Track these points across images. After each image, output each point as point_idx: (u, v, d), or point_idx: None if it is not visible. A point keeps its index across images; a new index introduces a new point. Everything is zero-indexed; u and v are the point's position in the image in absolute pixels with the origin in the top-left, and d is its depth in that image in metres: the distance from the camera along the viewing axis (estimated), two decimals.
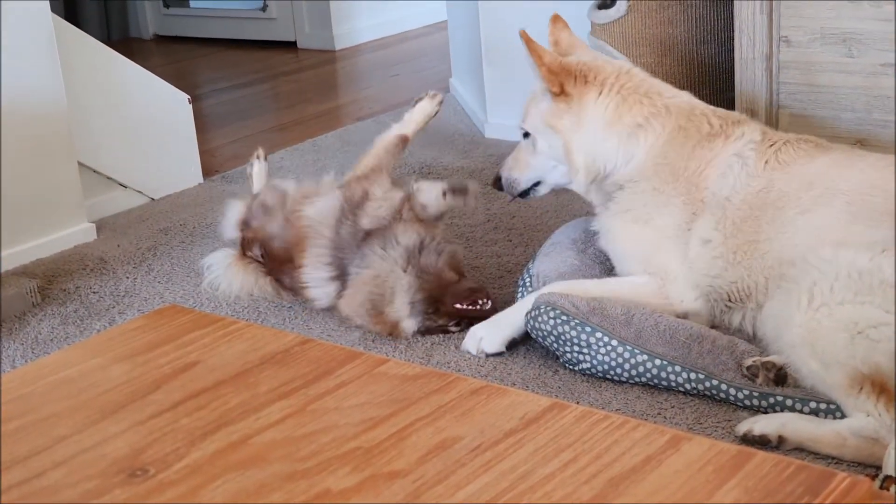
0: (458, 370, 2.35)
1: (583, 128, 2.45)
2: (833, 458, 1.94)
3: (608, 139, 2.43)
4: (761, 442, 1.98)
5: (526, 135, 2.56)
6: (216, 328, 1.51)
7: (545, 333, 2.30)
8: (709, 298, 2.33)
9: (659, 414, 2.13)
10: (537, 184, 2.60)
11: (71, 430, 1.27)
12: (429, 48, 5.58)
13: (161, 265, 3.06)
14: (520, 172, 2.59)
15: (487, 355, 2.40)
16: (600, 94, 2.44)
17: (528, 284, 2.51)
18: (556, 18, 2.67)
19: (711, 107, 2.49)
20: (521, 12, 3.82)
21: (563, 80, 2.44)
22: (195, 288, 2.89)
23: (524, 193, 2.63)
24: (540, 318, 2.30)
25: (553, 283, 2.41)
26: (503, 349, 2.40)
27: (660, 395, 2.19)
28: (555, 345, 2.30)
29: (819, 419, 2.01)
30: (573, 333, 2.25)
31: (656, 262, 2.35)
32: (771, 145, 2.33)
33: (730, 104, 2.90)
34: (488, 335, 2.40)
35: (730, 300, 2.30)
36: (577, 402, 2.19)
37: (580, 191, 2.54)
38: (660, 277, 2.34)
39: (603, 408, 2.15)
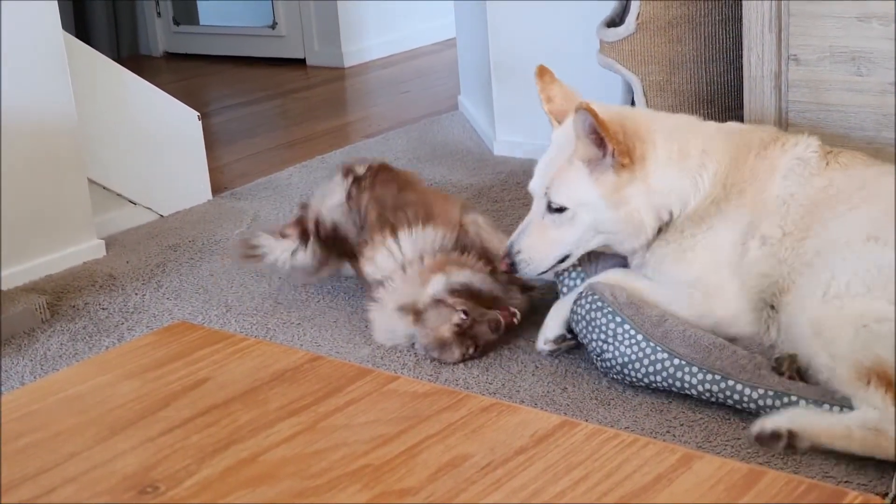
0: (467, 388, 2.35)
1: (651, 187, 2.33)
2: (844, 454, 1.96)
3: (680, 181, 2.35)
4: (774, 437, 1.97)
5: (556, 209, 2.36)
6: (226, 345, 1.51)
7: (579, 318, 2.32)
8: (756, 308, 2.29)
9: (668, 432, 2.13)
10: (563, 259, 2.42)
11: (80, 447, 1.27)
12: (438, 65, 5.59)
13: (170, 281, 3.06)
14: (546, 251, 2.39)
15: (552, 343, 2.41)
16: (656, 147, 2.35)
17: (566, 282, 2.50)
18: (542, 71, 2.53)
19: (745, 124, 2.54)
20: (529, 30, 3.84)
21: (629, 151, 2.31)
22: (204, 304, 2.90)
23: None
24: (579, 302, 2.33)
25: (610, 271, 2.41)
26: (563, 331, 2.40)
27: (669, 413, 2.19)
28: (584, 331, 2.31)
29: (828, 412, 2.03)
30: (603, 321, 2.27)
31: (711, 282, 2.32)
32: (829, 151, 2.38)
33: (739, 122, 2.90)
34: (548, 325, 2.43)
35: (772, 305, 2.26)
36: (586, 420, 2.17)
37: (638, 248, 2.40)
38: (712, 296, 2.31)
39: (612, 425, 2.15)
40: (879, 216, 2.18)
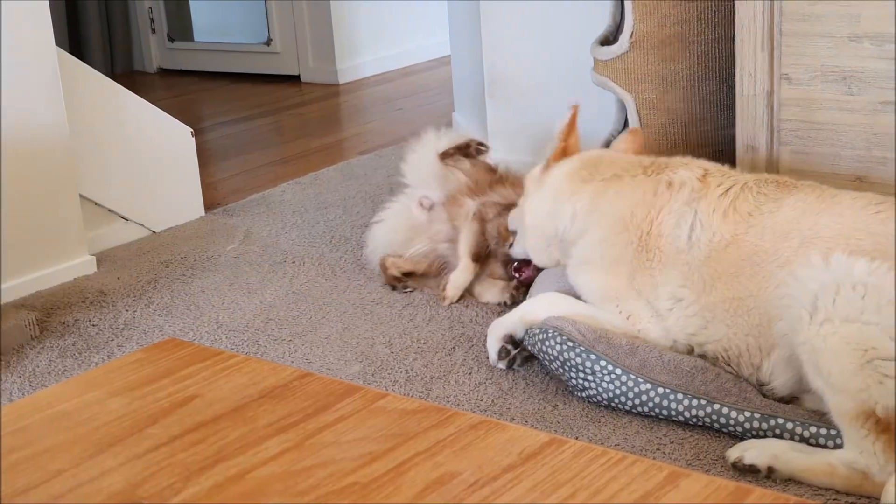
0: (458, 404, 2.35)
1: (541, 190, 2.56)
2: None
3: (557, 198, 2.50)
4: (750, 471, 1.97)
5: None
6: (215, 362, 1.51)
7: (552, 358, 2.31)
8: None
9: (658, 449, 2.12)
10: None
11: (68, 464, 1.26)
12: (432, 82, 5.61)
13: (161, 298, 3.06)
14: (518, 247, 2.70)
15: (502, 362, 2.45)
16: (567, 160, 2.54)
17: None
18: (633, 132, 2.79)
19: (655, 158, 2.51)
20: (524, 47, 3.85)
21: (557, 159, 2.57)
22: (195, 321, 2.89)
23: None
24: (547, 343, 2.30)
25: (551, 295, 2.44)
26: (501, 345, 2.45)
27: (659, 431, 2.18)
28: (560, 370, 2.30)
29: (810, 448, 2.01)
30: (578, 360, 2.26)
31: (627, 308, 2.34)
32: (725, 192, 2.27)
33: (731, 141, 2.91)
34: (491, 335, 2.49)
35: (717, 361, 2.24)
36: (576, 438, 2.18)
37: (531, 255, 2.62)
38: (633, 321, 2.33)
39: (602, 443, 2.14)
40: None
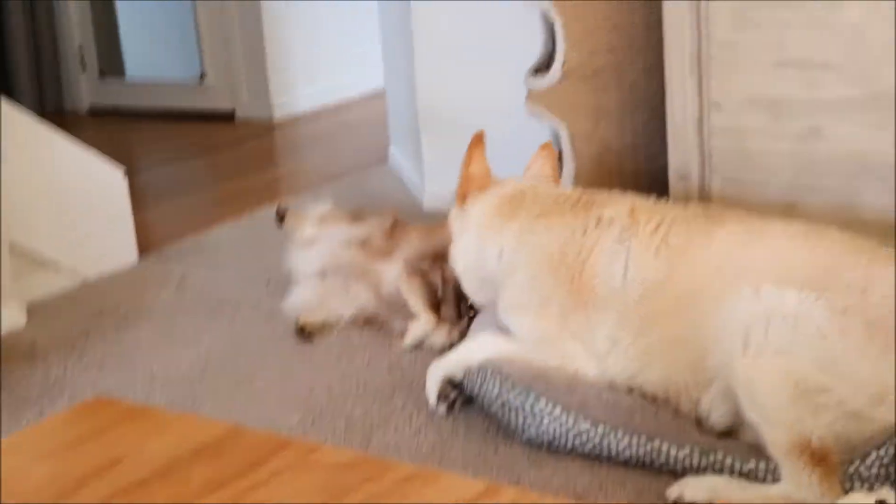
0: (398, 450, 2.31)
1: (465, 232, 2.54)
2: None
3: (481, 238, 2.49)
4: None
5: None
6: (144, 420, 1.48)
7: (491, 400, 2.28)
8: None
9: (600, 489, 2.11)
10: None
11: None
12: (369, 116, 5.58)
13: (94, 351, 2.98)
14: None
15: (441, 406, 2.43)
16: (486, 197, 2.52)
17: None
18: (544, 146, 2.75)
19: (582, 193, 2.49)
20: (458, 80, 3.85)
21: (469, 189, 2.56)
22: (129, 374, 2.82)
23: None
24: (486, 385, 2.28)
25: (487, 336, 2.43)
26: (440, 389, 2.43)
27: (600, 471, 2.17)
28: (500, 412, 2.28)
29: (748, 484, 2.00)
30: (518, 401, 2.24)
31: (561, 349, 2.32)
32: (655, 228, 2.26)
33: (663, 170, 2.93)
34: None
35: (656, 399, 2.23)
36: (518, 480, 2.16)
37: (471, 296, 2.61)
38: (569, 362, 2.31)
39: (544, 485, 2.13)
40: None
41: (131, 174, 3.79)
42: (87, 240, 3.54)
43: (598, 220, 2.32)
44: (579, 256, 2.30)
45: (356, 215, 3.15)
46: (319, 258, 3.08)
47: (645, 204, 2.36)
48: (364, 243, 3.01)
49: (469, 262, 2.55)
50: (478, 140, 2.58)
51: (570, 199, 2.44)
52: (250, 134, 5.53)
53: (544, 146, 2.76)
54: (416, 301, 2.83)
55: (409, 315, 2.87)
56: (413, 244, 2.95)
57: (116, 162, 3.66)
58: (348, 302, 2.98)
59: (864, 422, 1.89)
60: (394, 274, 2.91)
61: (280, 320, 3.06)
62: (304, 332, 2.92)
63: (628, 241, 2.26)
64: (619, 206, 2.35)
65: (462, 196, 2.57)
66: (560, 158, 3.03)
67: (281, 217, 3.15)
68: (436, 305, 2.83)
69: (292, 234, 3.17)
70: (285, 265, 3.21)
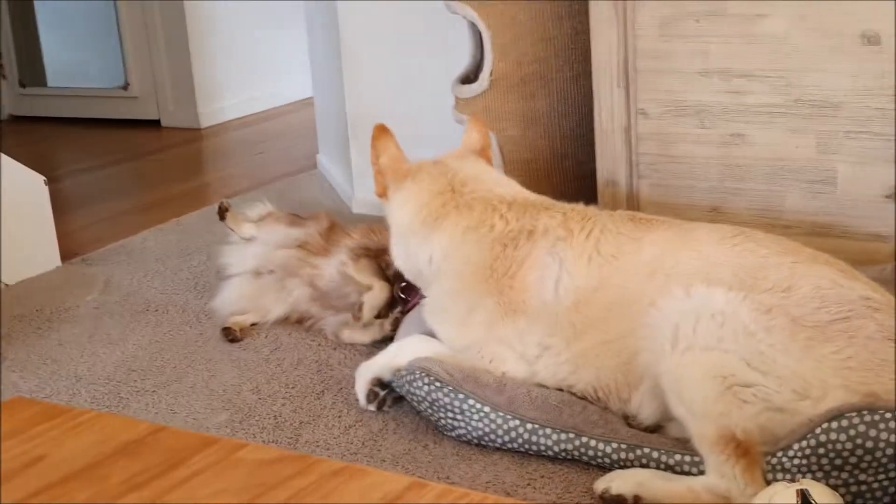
0: (328, 448, 2.31)
1: (394, 232, 2.53)
2: None
3: (410, 242, 2.47)
4: (618, 501, 1.99)
5: None
6: (65, 419, 1.45)
7: (419, 399, 2.29)
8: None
9: (528, 485, 2.12)
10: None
11: None
12: (296, 124, 5.56)
13: (15, 353, 2.93)
14: None
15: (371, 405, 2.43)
16: (405, 197, 2.48)
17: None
18: (472, 118, 2.72)
19: (516, 195, 2.44)
20: (386, 88, 3.86)
21: (387, 182, 2.54)
22: (52, 375, 2.78)
23: None
24: (415, 384, 2.28)
25: (415, 338, 2.42)
26: (369, 389, 2.42)
27: (529, 466, 2.18)
28: (429, 410, 2.28)
29: (674, 476, 2.03)
30: (447, 400, 2.24)
31: (488, 352, 2.32)
32: (587, 236, 2.27)
33: (592, 176, 2.96)
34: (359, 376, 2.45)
35: (585, 398, 2.25)
36: (447, 477, 2.17)
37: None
38: (497, 364, 2.31)
39: (473, 481, 2.13)
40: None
41: (54, 181, 3.73)
42: (7, 246, 3.47)
43: (531, 233, 2.31)
44: (509, 271, 2.30)
45: (293, 218, 3.14)
46: (254, 257, 3.06)
47: (577, 212, 2.36)
48: (302, 243, 3.00)
49: (402, 262, 2.55)
50: (378, 132, 2.55)
51: (501, 204, 2.39)
52: (176, 141, 5.47)
53: (472, 118, 2.72)
54: (366, 276, 2.82)
55: (344, 308, 2.86)
56: (354, 239, 2.94)
57: (38, 170, 3.60)
58: (281, 300, 2.97)
59: (788, 415, 1.92)
60: (332, 268, 2.89)
61: (207, 322, 3.04)
62: (230, 333, 2.90)
63: (560, 252, 2.27)
64: (552, 215, 2.34)
65: (382, 192, 2.56)
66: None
67: (223, 212, 3.12)
68: (386, 278, 2.83)
69: (231, 231, 3.14)
70: (218, 262, 3.19)
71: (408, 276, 2.59)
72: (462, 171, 2.50)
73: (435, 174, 2.50)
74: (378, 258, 2.86)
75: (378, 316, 2.80)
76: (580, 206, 2.41)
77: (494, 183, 2.49)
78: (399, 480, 1.22)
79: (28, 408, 1.50)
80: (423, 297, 2.56)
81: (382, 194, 2.55)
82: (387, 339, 2.71)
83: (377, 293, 2.80)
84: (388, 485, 1.21)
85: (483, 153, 2.62)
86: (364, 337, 2.81)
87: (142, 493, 1.25)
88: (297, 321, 2.96)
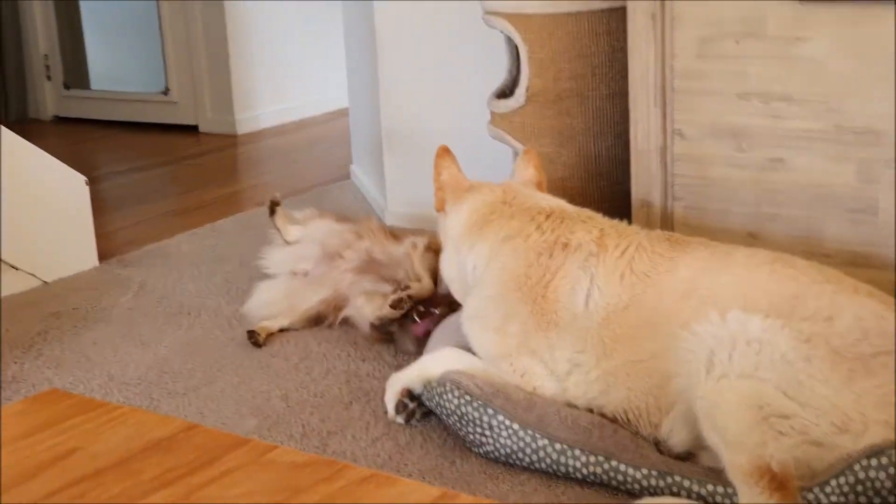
0: (354, 459, 2.31)
1: (446, 243, 2.57)
2: None
3: (460, 250, 2.50)
4: None
5: None
6: (99, 413, 1.46)
7: (449, 412, 2.29)
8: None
9: None
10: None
11: None
12: (331, 134, 5.60)
13: (51, 350, 2.97)
14: (441, 284, 2.72)
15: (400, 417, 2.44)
16: (459, 209, 2.54)
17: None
18: (527, 150, 2.77)
19: (555, 207, 2.47)
20: (421, 100, 3.87)
21: (446, 197, 2.59)
22: (86, 374, 2.81)
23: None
24: (444, 397, 2.28)
25: (448, 350, 2.43)
26: (398, 400, 2.43)
27: (557, 488, 2.17)
28: (457, 424, 2.28)
29: None
30: (476, 415, 2.24)
31: (521, 366, 2.33)
32: (622, 254, 2.27)
33: (626, 196, 2.95)
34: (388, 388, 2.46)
35: (616, 420, 2.24)
36: (474, 494, 2.16)
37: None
38: (528, 379, 2.32)
39: (500, 500, 2.12)
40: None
41: (94, 182, 3.78)
42: (47, 244, 3.52)
43: (565, 245, 2.32)
44: (543, 279, 2.31)
45: (341, 216, 3.19)
46: (294, 259, 3.08)
47: (615, 228, 2.37)
48: (357, 231, 3.04)
49: (453, 273, 2.57)
50: (442, 152, 2.62)
51: (540, 215, 2.42)
52: (213, 147, 5.52)
53: (527, 150, 2.79)
54: (422, 267, 2.84)
55: (388, 279, 2.88)
56: (423, 238, 2.96)
57: (79, 170, 3.65)
58: (312, 298, 2.99)
59: (826, 449, 1.89)
60: (401, 248, 2.93)
61: (239, 327, 3.06)
62: (254, 336, 2.93)
63: (593, 267, 2.27)
64: (588, 230, 2.35)
65: (440, 206, 2.61)
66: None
67: (273, 206, 3.14)
68: (435, 280, 2.84)
69: (277, 231, 3.17)
70: (256, 262, 3.23)
71: (452, 287, 2.60)
72: (519, 189, 2.58)
73: (493, 187, 2.57)
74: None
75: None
76: (620, 223, 2.42)
77: (541, 197, 2.54)
78: (428, 491, 1.22)
79: (63, 400, 1.51)
80: (437, 320, 2.68)
81: (441, 209, 2.60)
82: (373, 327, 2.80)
83: (423, 285, 2.83)
84: (417, 494, 1.21)
85: (540, 188, 2.67)
86: (366, 308, 2.83)
87: (173, 489, 1.27)
88: (326, 315, 2.97)
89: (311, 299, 3.00)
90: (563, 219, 2.40)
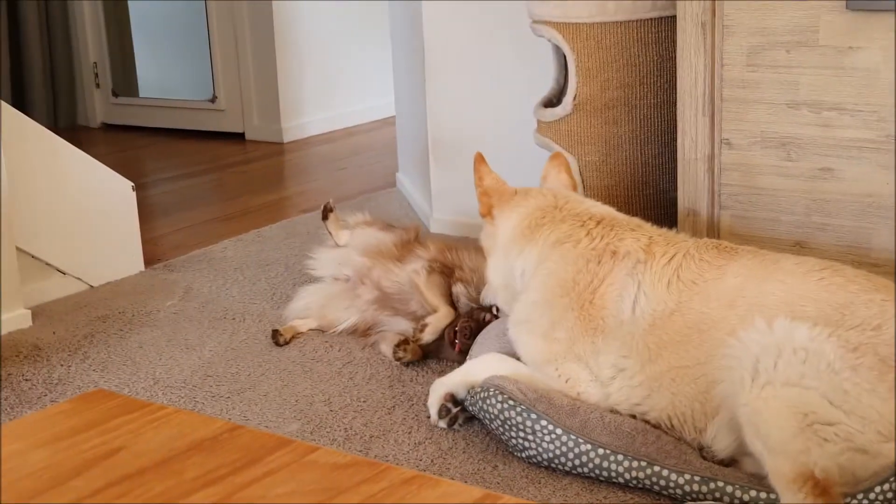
0: (397, 463, 2.31)
1: (496, 247, 2.54)
2: None
3: (509, 255, 2.49)
4: None
5: None
6: (143, 413, 1.47)
7: (492, 417, 2.28)
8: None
9: None
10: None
11: None
12: (377, 143, 5.62)
13: (97, 353, 2.99)
14: (486, 289, 2.67)
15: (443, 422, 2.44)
16: (510, 214, 2.52)
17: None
18: (555, 156, 2.77)
19: (606, 214, 2.47)
20: (468, 109, 3.87)
21: (492, 203, 2.56)
22: (131, 376, 2.83)
23: (494, 308, 2.70)
24: (488, 402, 2.28)
25: (492, 356, 2.43)
26: (441, 404, 2.43)
27: (599, 493, 2.16)
28: (500, 429, 2.28)
29: None
30: (519, 419, 2.23)
31: (566, 371, 2.32)
32: (669, 261, 2.27)
33: (672, 204, 2.93)
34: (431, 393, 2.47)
35: (659, 426, 2.23)
36: None
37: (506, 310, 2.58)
38: (572, 384, 2.31)
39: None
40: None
41: (141, 189, 3.82)
42: (94, 249, 3.56)
43: (614, 253, 2.32)
44: (591, 285, 2.30)
45: (386, 225, 3.21)
46: (337, 261, 3.10)
47: (663, 237, 2.37)
48: (380, 249, 3.04)
49: (500, 279, 2.55)
50: (480, 158, 2.61)
51: (591, 221, 2.42)
52: (259, 155, 5.55)
53: (555, 155, 2.78)
54: (434, 295, 2.83)
55: (403, 313, 2.89)
56: (430, 252, 2.97)
57: (126, 176, 3.68)
58: (351, 308, 2.99)
59: (870, 457, 1.88)
60: (405, 273, 2.92)
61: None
62: (277, 336, 2.97)
63: (640, 275, 2.26)
64: (637, 238, 2.34)
65: (486, 212, 2.58)
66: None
67: (327, 212, 3.17)
68: (451, 303, 2.84)
69: (329, 235, 3.20)
70: (305, 262, 3.28)
71: (499, 295, 2.58)
72: (570, 195, 2.58)
73: (544, 192, 2.57)
74: (449, 277, 2.87)
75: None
76: (669, 232, 2.41)
77: (593, 204, 2.54)
78: (471, 492, 1.22)
79: (108, 400, 1.52)
80: (474, 334, 2.67)
81: (487, 214, 2.58)
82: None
83: (442, 317, 2.81)
84: (461, 496, 1.21)
85: (572, 187, 2.69)
86: (388, 352, 2.85)
87: (216, 488, 1.27)
88: (363, 333, 2.98)
89: (341, 317, 3.01)
90: (612, 226, 2.40)
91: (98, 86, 6.31)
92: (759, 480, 2.01)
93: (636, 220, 2.47)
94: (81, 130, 6.20)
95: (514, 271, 2.48)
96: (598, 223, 2.41)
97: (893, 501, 1.84)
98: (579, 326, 2.29)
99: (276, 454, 1.33)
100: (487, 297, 2.67)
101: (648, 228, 2.41)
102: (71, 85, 6.31)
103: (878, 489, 1.86)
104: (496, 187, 2.57)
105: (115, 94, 6.29)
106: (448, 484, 1.25)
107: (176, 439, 1.39)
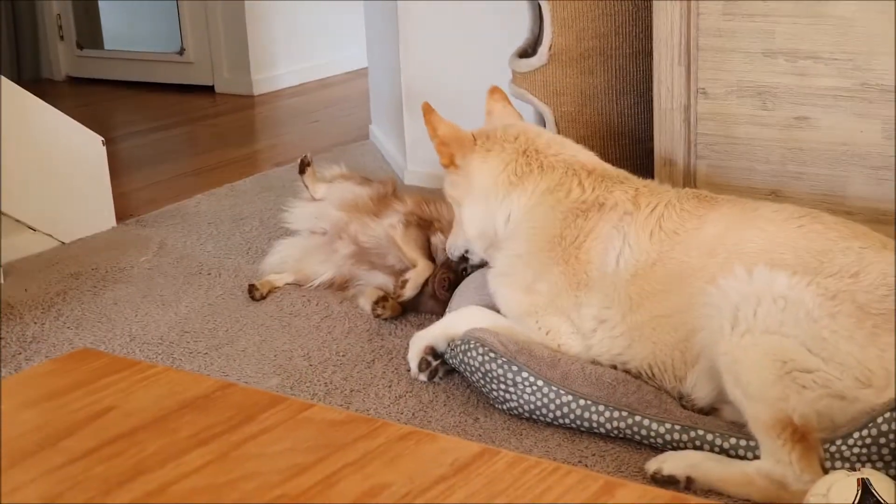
0: (377, 416, 2.31)
1: (471, 195, 2.49)
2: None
3: (490, 202, 2.45)
4: (669, 482, 1.98)
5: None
6: (132, 372, 1.46)
7: (473, 369, 2.29)
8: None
9: (580, 462, 2.12)
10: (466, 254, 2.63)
11: None
12: (349, 94, 5.57)
13: (71, 310, 2.97)
14: (453, 239, 2.63)
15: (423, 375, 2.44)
16: (485, 158, 2.46)
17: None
18: (493, 90, 2.70)
19: (596, 164, 2.45)
20: (442, 59, 3.84)
21: (452, 151, 2.50)
22: (107, 333, 2.81)
23: (463, 259, 2.65)
24: (469, 354, 2.28)
25: (472, 308, 2.43)
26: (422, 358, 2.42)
27: (580, 443, 2.18)
28: (481, 381, 2.28)
29: (728, 459, 2.02)
30: (500, 371, 2.24)
31: (546, 323, 2.33)
32: (651, 211, 2.27)
33: (649, 155, 2.93)
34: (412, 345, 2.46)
35: (640, 376, 2.24)
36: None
37: (480, 259, 2.57)
38: (553, 337, 2.32)
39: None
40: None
41: (110, 143, 3.76)
42: (65, 205, 3.52)
43: (601, 206, 2.31)
44: (576, 240, 2.30)
45: (363, 179, 3.19)
46: (314, 215, 3.09)
47: (648, 188, 2.37)
48: (357, 203, 3.02)
49: (477, 228, 2.51)
50: (428, 108, 2.53)
51: (582, 171, 2.40)
52: (230, 108, 5.49)
53: (493, 89, 2.72)
54: (412, 249, 2.83)
55: (380, 267, 2.89)
56: (407, 206, 2.96)
57: (94, 131, 3.63)
58: (328, 262, 2.99)
59: (848, 403, 1.90)
60: (381, 228, 2.91)
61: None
62: (253, 290, 2.96)
63: (626, 226, 2.27)
64: (625, 189, 2.34)
65: (449, 161, 2.52)
66: None
67: (304, 166, 3.15)
68: (430, 256, 2.84)
69: (305, 188, 3.18)
70: (280, 215, 3.26)
71: (480, 250, 2.55)
72: (544, 135, 2.54)
73: (515, 134, 2.50)
74: (427, 229, 2.86)
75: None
76: (653, 183, 2.41)
77: (578, 150, 2.52)
78: (469, 446, 1.22)
79: (95, 359, 1.51)
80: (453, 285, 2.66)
81: (450, 164, 2.52)
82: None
83: (421, 271, 2.80)
84: (459, 450, 1.21)
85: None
86: (367, 307, 2.83)
87: (210, 447, 1.26)
88: (340, 287, 2.97)
89: (318, 271, 3.01)
90: (603, 178, 2.39)
91: (62, 38, 6.20)
92: (739, 428, 2.04)
93: (623, 173, 2.46)
94: (46, 83, 6.10)
95: (496, 218, 2.46)
96: (590, 174, 2.40)
97: (871, 447, 1.87)
98: (563, 281, 2.30)
99: (270, 411, 1.33)
100: (455, 248, 2.63)
101: (635, 180, 2.41)
102: (34, 37, 6.19)
103: (856, 435, 1.88)
104: (453, 134, 2.51)
105: (80, 47, 6.19)
106: (445, 439, 1.25)
107: (167, 398, 1.38)
